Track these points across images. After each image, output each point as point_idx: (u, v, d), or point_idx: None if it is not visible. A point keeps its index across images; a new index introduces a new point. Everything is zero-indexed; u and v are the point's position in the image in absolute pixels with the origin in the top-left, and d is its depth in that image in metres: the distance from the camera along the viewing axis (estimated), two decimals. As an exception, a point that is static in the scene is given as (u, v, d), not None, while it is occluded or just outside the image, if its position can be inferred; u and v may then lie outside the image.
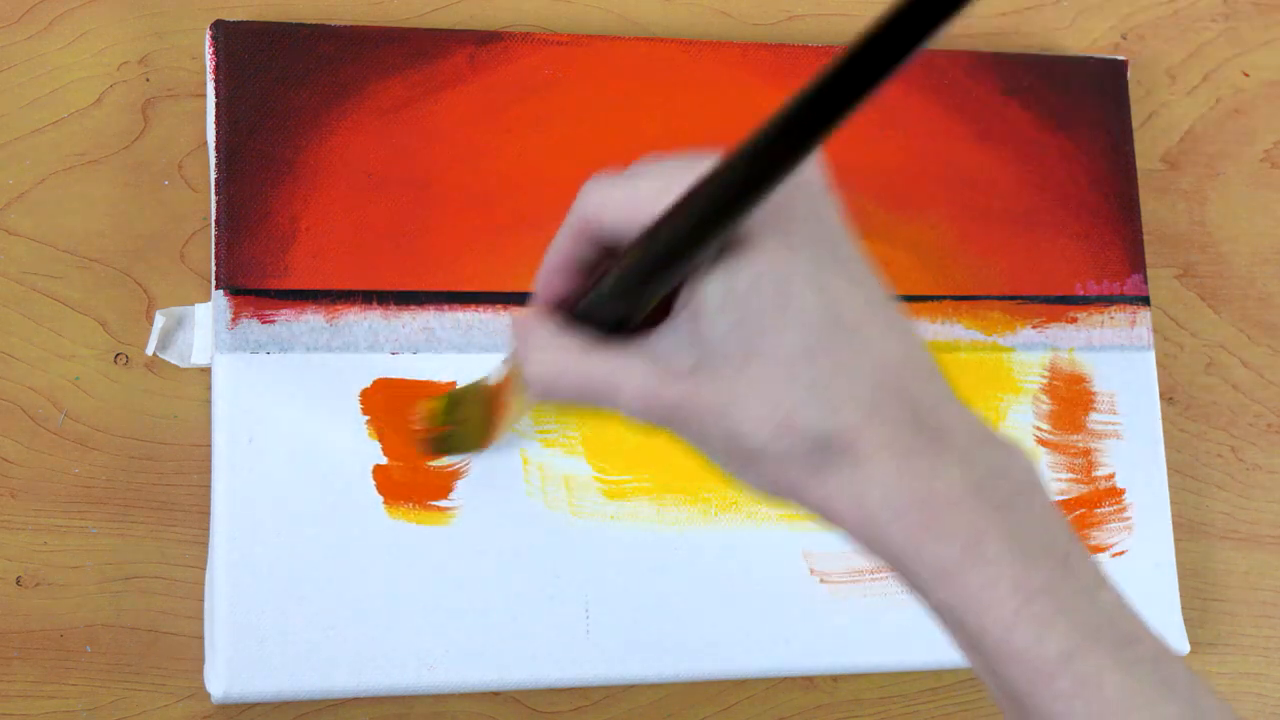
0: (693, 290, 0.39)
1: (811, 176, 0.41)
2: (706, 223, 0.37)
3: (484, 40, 0.65)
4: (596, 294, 0.41)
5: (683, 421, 0.40)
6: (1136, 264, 0.70)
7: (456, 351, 0.62)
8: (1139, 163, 0.73)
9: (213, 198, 0.61)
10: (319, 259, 0.61)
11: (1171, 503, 0.68)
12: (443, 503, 0.60)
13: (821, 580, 0.63)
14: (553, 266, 0.43)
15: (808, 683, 0.65)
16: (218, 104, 0.62)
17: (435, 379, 0.61)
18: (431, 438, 0.58)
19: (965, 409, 0.39)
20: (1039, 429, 0.67)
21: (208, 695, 0.58)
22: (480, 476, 0.61)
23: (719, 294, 0.38)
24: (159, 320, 0.61)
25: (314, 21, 0.64)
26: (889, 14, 0.33)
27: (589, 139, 0.65)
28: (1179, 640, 0.66)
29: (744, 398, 0.38)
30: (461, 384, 0.60)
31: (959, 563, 0.37)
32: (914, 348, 0.40)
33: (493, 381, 0.51)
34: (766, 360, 0.38)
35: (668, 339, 0.40)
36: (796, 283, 0.38)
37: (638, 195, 0.40)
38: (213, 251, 0.61)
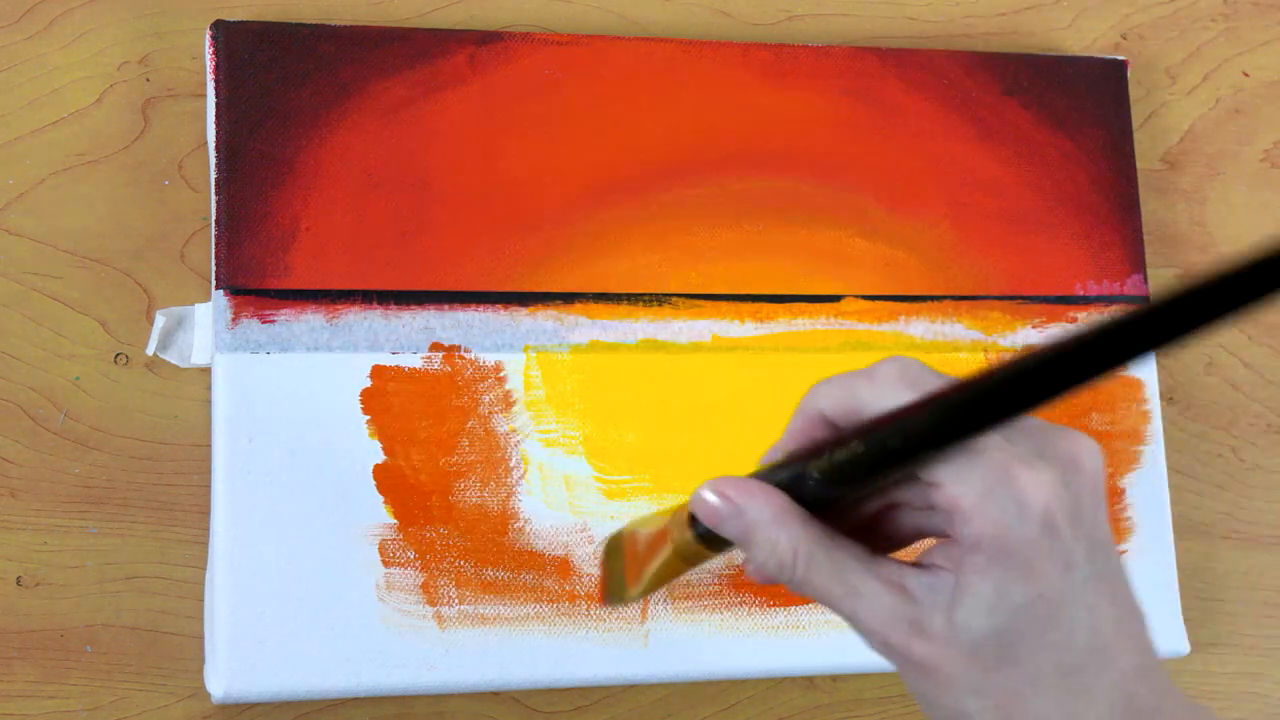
0: (957, 561, 0.39)
1: (1091, 467, 0.40)
2: (943, 437, 0.38)
3: (484, 40, 0.65)
4: (813, 469, 0.41)
5: (915, 676, 0.40)
6: (1136, 264, 0.70)
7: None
8: (1139, 163, 0.73)
9: (213, 198, 0.61)
10: (319, 259, 0.61)
11: (1171, 503, 0.68)
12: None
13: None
14: (785, 436, 0.43)
15: (808, 683, 0.65)
16: (218, 104, 0.62)
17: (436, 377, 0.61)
18: (602, 583, 0.52)
19: (1179, 698, 0.41)
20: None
21: (208, 695, 0.58)
22: (479, 476, 0.61)
23: (990, 593, 0.38)
24: (159, 320, 0.61)
25: (314, 21, 0.64)
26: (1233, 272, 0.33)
27: (589, 139, 0.65)
28: (1179, 640, 0.66)
29: (988, 692, 0.39)
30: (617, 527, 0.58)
31: None
32: (1147, 652, 0.41)
33: (648, 533, 0.48)
34: (1020, 670, 0.39)
35: (922, 591, 0.40)
36: (1067, 610, 0.39)
37: (867, 394, 0.41)
38: (213, 251, 0.61)
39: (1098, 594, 0.39)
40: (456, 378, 0.62)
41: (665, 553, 0.45)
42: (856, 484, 0.40)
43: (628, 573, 0.47)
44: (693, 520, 0.44)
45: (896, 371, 0.40)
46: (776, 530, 0.41)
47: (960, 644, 0.39)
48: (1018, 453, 0.38)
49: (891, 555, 0.42)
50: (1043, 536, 0.38)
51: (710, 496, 0.42)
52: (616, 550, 0.48)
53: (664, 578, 0.46)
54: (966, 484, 0.38)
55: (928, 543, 0.42)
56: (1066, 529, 0.39)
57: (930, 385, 0.39)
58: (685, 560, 0.45)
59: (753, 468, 0.57)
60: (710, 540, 0.44)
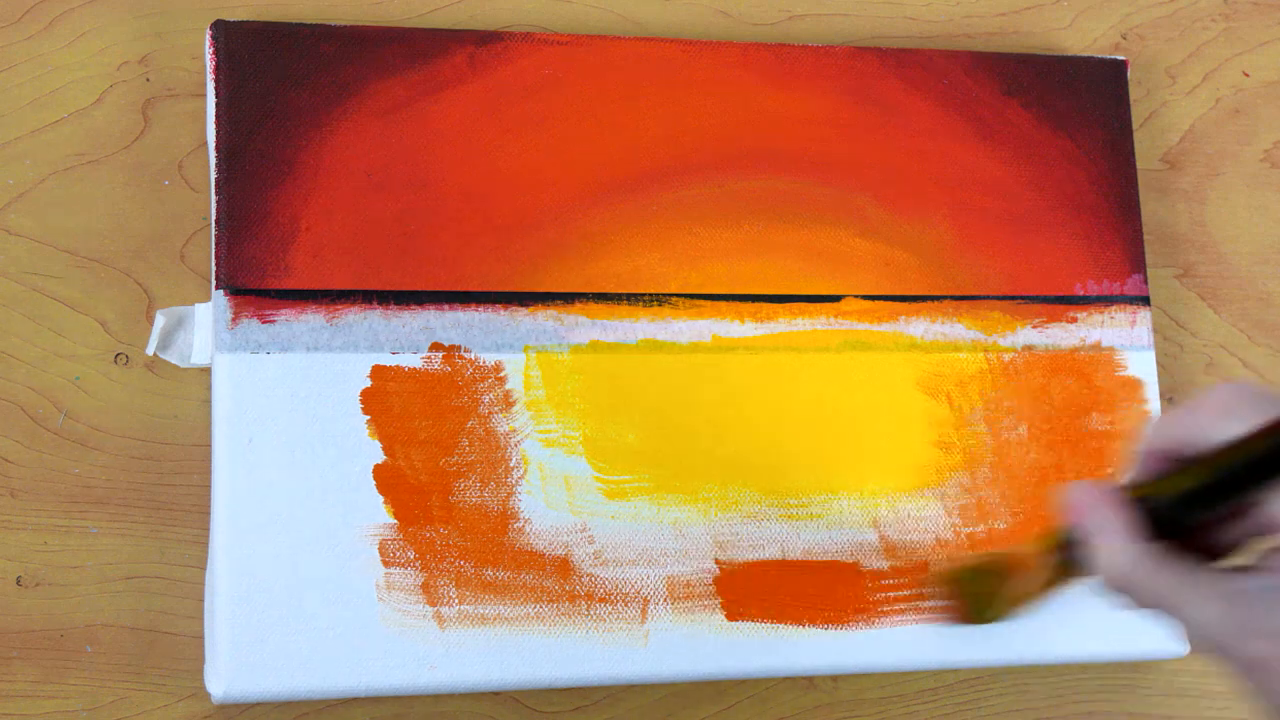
0: None
1: None
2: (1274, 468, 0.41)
3: (484, 40, 0.65)
4: (1158, 494, 0.44)
5: (1255, 674, 0.42)
6: (1136, 264, 0.70)
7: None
8: (1139, 163, 0.73)
9: (213, 198, 0.61)
10: (319, 259, 0.61)
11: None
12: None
13: (821, 580, 0.64)
14: (1152, 450, 0.46)
15: (808, 683, 0.65)
16: (218, 104, 0.62)
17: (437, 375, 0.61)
18: (956, 606, 0.57)
19: None
20: (1039, 429, 0.67)
21: (208, 695, 0.58)
22: (479, 476, 0.61)
23: None
24: (159, 320, 0.61)
25: (314, 21, 0.64)
26: None
27: (589, 139, 0.65)
28: (1179, 640, 0.66)
29: None
30: (981, 552, 0.61)
31: None
32: None
33: (1021, 553, 0.52)
34: None
35: (1254, 594, 0.42)
36: None
37: (1202, 423, 0.44)
38: (213, 251, 0.61)
39: None
40: (456, 378, 0.62)
41: (1033, 578, 0.50)
42: (1200, 508, 0.44)
43: (996, 597, 0.52)
44: (1057, 546, 0.48)
45: (1226, 397, 0.43)
46: (1121, 537, 0.44)
47: None
48: None
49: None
50: None
51: (1080, 492, 0.46)
52: (980, 574, 0.53)
53: (1031, 598, 0.51)
54: None
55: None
56: None
57: (1255, 405, 0.42)
58: (1049, 583, 0.49)
59: (757, 469, 0.59)
60: (1070, 562, 0.48)
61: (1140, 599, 0.44)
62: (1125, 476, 0.46)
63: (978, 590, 0.53)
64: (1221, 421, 0.43)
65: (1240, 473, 0.42)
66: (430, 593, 0.60)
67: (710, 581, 0.62)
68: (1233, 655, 0.42)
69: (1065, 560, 0.48)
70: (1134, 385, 0.69)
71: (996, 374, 0.67)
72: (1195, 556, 0.44)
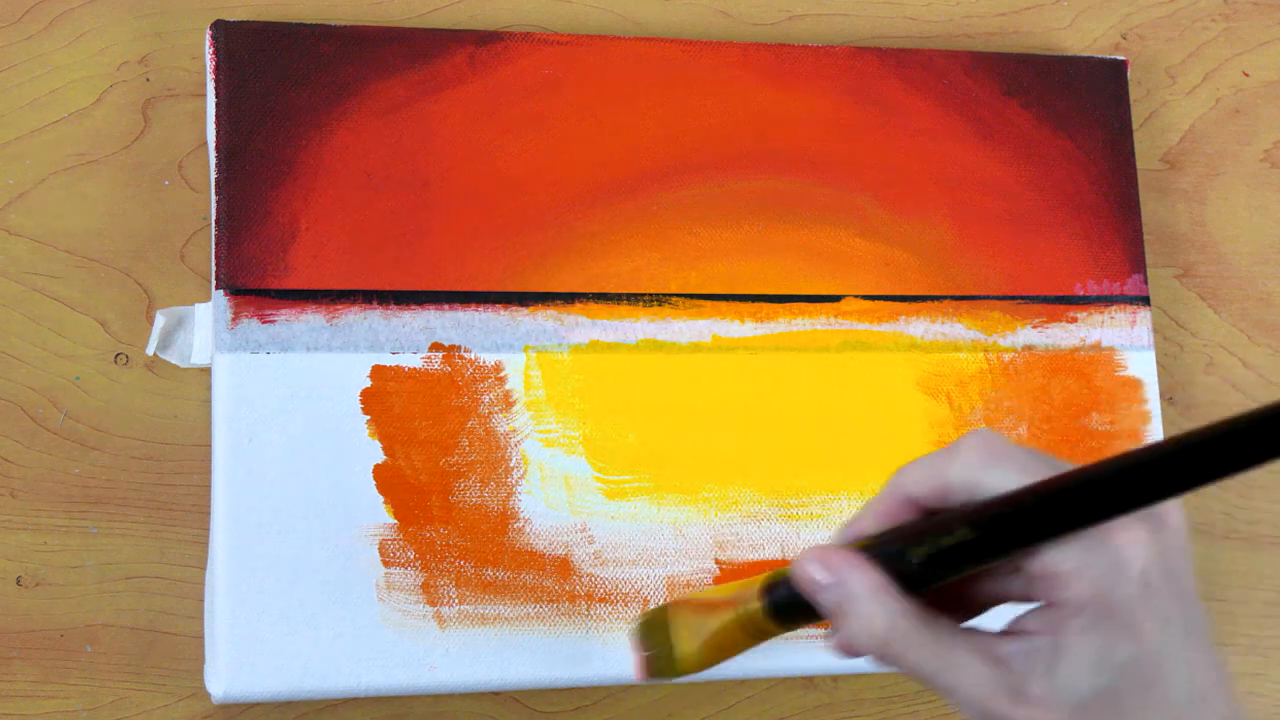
0: (1056, 624, 0.39)
1: (1177, 523, 0.41)
2: (1059, 528, 0.38)
3: (484, 40, 0.65)
4: (914, 552, 0.41)
5: None
6: (1136, 264, 0.70)
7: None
8: (1139, 163, 0.73)
9: (213, 198, 0.61)
10: (319, 259, 0.61)
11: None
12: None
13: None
14: (869, 514, 0.43)
15: (808, 683, 0.65)
16: (218, 104, 0.62)
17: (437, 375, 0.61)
18: (641, 660, 0.50)
19: None
20: (1039, 428, 0.67)
21: (208, 695, 0.58)
22: (479, 476, 0.61)
23: (1093, 653, 0.39)
24: (159, 320, 0.61)
25: (314, 21, 0.64)
26: None
27: (589, 139, 0.65)
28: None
29: None
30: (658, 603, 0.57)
31: None
32: (1234, 703, 0.41)
33: (704, 604, 0.47)
34: None
35: (1019, 658, 0.40)
36: (1168, 665, 0.39)
37: (955, 474, 0.41)
38: (213, 251, 0.61)
39: (1192, 648, 0.40)
40: (456, 378, 0.62)
41: (726, 624, 0.45)
42: (961, 567, 0.41)
43: (681, 644, 0.46)
44: (765, 591, 0.44)
45: (981, 446, 0.41)
46: (874, 605, 0.41)
47: (1063, 706, 0.39)
48: None
49: (969, 623, 0.43)
50: (1142, 594, 0.39)
51: (812, 565, 0.42)
52: (660, 624, 0.47)
53: (724, 651, 0.46)
54: (1063, 549, 0.39)
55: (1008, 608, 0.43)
56: (1162, 585, 0.39)
57: (1016, 458, 0.40)
58: (749, 634, 0.45)
59: (757, 469, 0.57)
60: (784, 614, 0.44)
61: (899, 665, 0.41)
62: (866, 526, 0.43)
63: (667, 640, 0.47)
64: (982, 471, 0.40)
65: (1008, 533, 0.39)
66: (430, 593, 0.60)
67: (710, 581, 0.62)
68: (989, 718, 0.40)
69: (778, 610, 0.44)
70: (1134, 385, 0.69)
71: (996, 374, 0.67)
72: (946, 614, 0.42)
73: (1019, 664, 0.40)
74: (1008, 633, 0.41)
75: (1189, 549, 0.41)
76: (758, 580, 0.45)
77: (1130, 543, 0.39)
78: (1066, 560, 0.39)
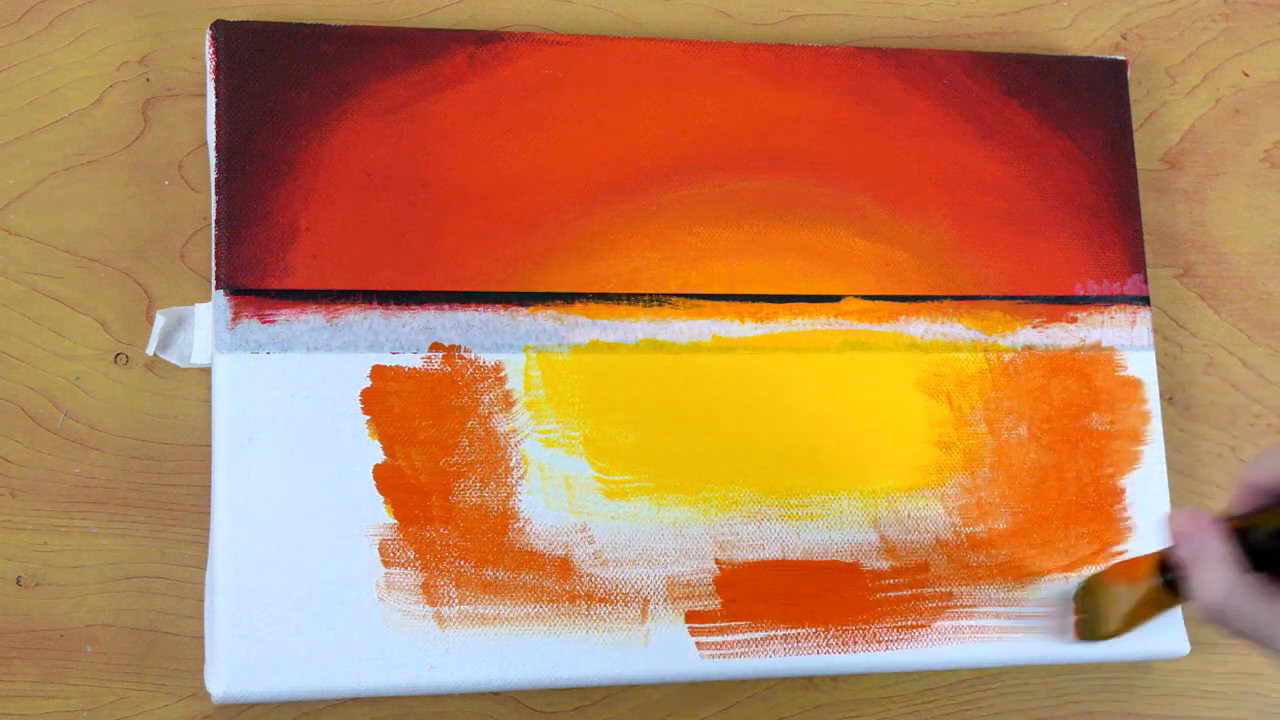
0: None
1: None
2: None
3: (484, 40, 0.65)
4: (1261, 528, 0.45)
5: None
6: (1136, 264, 0.70)
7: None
8: (1139, 163, 0.73)
9: (213, 198, 0.61)
10: (319, 259, 0.61)
11: (1171, 503, 0.68)
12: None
13: (821, 580, 0.63)
14: (1255, 485, 0.47)
15: (808, 683, 0.65)
16: (218, 104, 0.62)
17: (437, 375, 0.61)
18: (1076, 622, 0.59)
19: None
20: (1039, 428, 0.67)
21: (208, 695, 0.58)
22: (479, 476, 0.61)
23: None
24: (159, 320, 0.61)
25: (314, 21, 0.64)
26: None
27: (589, 139, 0.65)
28: (1179, 640, 0.66)
29: None
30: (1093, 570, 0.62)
31: None
32: None
33: (1135, 574, 0.54)
34: None
35: None
36: None
37: None
38: (213, 251, 0.61)
39: None
40: (456, 378, 0.62)
41: (1143, 598, 0.51)
42: None
43: (1110, 612, 0.53)
44: (1160, 568, 0.49)
45: None
46: (1215, 569, 0.45)
47: None
48: None
49: None
50: None
51: (1179, 520, 0.47)
52: (1094, 592, 0.53)
53: (1138, 621, 0.52)
54: None
55: None
56: None
57: None
58: (1156, 606, 0.51)
59: (757, 469, 0.58)
60: (1173, 586, 0.49)
61: (1235, 628, 0.45)
62: (1228, 507, 0.47)
63: (1095, 606, 0.54)
64: None
65: None
66: (430, 593, 0.60)
67: (710, 581, 0.62)
68: None
69: (1169, 583, 0.48)
70: (1134, 385, 0.69)
71: (996, 374, 0.67)
72: None
73: None
74: None
75: None
76: (1154, 557, 0.50)
77: None
78: None
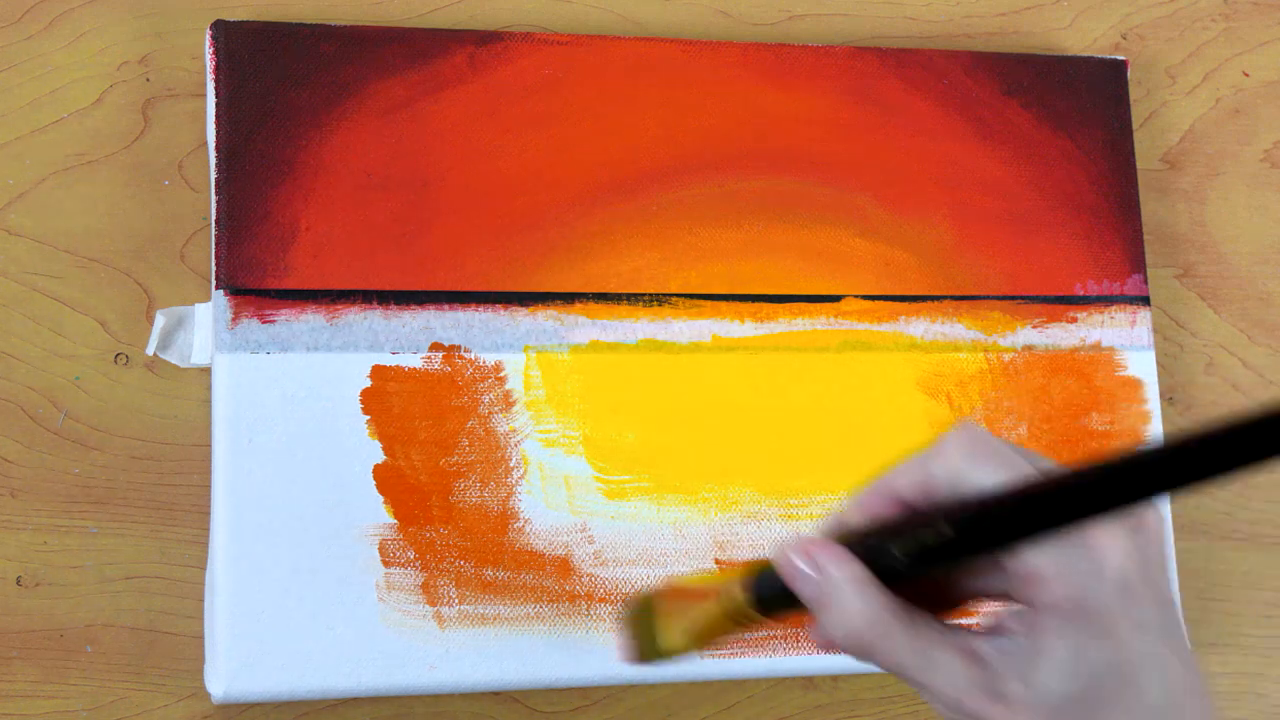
0: (1033, 625, 0.39)
1: (1156, 525, 0.40)
2: (1036, 529, 0.38)
3: (484, 40, 0.65)
4: (896, 547, 0.41)
5: None
6: (1136, 264, 0.70)
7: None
8: (1139, 163, 0.73)
9: (213, 198, 0.61)
10: (319, 259, 0.61)
11: (1171, 503, 0.68)
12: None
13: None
14: (882, 496, 0.42)
15: (808, 683, 0.65)
16: (218, 104, 0.62)
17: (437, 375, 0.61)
18: (626, 645, 0.50)
19: None
20: (1040, 429, 0.67)
21: (208, 695, 0.58)
22: (479, 476, 0.61)
23: (1069, 655, 0.39)
24: (159, 320, 0.61)
25: (314, 21, 0.64)
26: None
27: (589, 139, 0.65)
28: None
29: None
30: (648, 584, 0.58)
31: None
32: (1210, 711, 0.41)
33: (691, 591, 0.48)
34: None
35: (997, 656, 0.40)
36: (1144, 669, 0.39)
37: (939, 470, 0.41)
38: (213, 251, 0.61)
39: (1168, 652, 0.39)
40: (456, 378, 0.62)
41: (711, 614, 0.45)
42: (941, 564, 0.41)
43: (664, 630, 0.47)
44: (750, 581, 0.44)
45: (966, 443, 0.40)
46: (853, 597, 0.41)
47: (1039, 709, 0.39)
48: None
49: (949, 618, 0.42)
50: (1119, 598, 0.38)
51: (794, 555, 0.42)
52: (647, 609, 0.48)
53: (707, 637, 0.46)
54: (1041, 551, 0.39)
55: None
56: (1139, 589, 0.39)
57: (998, 454, 0.40)
58: (733, 622, 0.45)
59: (757, 469, 0.57)
60: (767, 605, 0.44)
61: (878, 661, 0.41)
62: (852, 521, 0.42)
63: (650, 625, 0.48)
64: (965, 468, 0.40)
65: (986, 533, 0.39)
66: (430, 593, 0.60)
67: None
68: (971, 718, 0.40)
69: (760, 600, 0.44)
70: (1134, 385, 0.69)
71: (996, 374, 0.67)
72: (929, 613, 0.41)
73: (996, 663, 0.40)
74: (987, 630, 0.41)
75: (1167, 552, 0.41)
76: (741, 570, 0.45)
77: (1108, 546, 0.38)
78: (1044, 562, 0.38)
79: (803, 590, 0.42)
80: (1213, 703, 0.41)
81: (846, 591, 0.41)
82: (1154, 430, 0.68)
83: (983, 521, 0.39)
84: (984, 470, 0.40)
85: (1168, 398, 0.71)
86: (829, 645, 0.42)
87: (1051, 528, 0.38)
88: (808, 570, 0.41)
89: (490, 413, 0.62)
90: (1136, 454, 0.36)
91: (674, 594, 0.47)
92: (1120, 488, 0.36)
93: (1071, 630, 0.38)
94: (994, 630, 0.40)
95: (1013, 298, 0.68)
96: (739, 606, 0.44)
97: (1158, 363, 0.70)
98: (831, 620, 0.41)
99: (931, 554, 0.40)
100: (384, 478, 0.60)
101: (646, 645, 0.48)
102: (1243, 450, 0.34)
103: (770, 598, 0.43)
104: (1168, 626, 0.40)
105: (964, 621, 0.42)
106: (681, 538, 0.62)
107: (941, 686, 0.40)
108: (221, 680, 0.57)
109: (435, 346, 0.62)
